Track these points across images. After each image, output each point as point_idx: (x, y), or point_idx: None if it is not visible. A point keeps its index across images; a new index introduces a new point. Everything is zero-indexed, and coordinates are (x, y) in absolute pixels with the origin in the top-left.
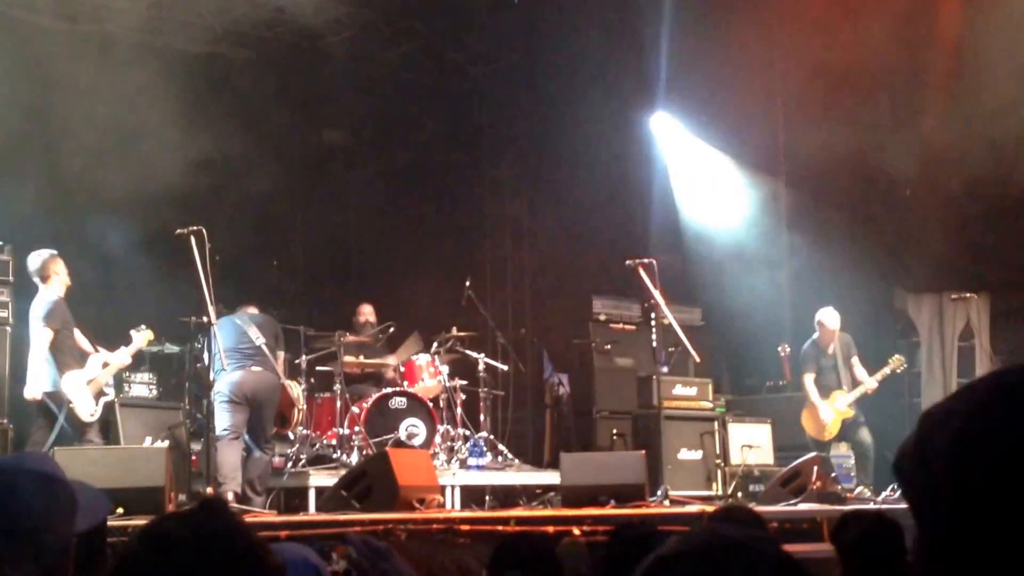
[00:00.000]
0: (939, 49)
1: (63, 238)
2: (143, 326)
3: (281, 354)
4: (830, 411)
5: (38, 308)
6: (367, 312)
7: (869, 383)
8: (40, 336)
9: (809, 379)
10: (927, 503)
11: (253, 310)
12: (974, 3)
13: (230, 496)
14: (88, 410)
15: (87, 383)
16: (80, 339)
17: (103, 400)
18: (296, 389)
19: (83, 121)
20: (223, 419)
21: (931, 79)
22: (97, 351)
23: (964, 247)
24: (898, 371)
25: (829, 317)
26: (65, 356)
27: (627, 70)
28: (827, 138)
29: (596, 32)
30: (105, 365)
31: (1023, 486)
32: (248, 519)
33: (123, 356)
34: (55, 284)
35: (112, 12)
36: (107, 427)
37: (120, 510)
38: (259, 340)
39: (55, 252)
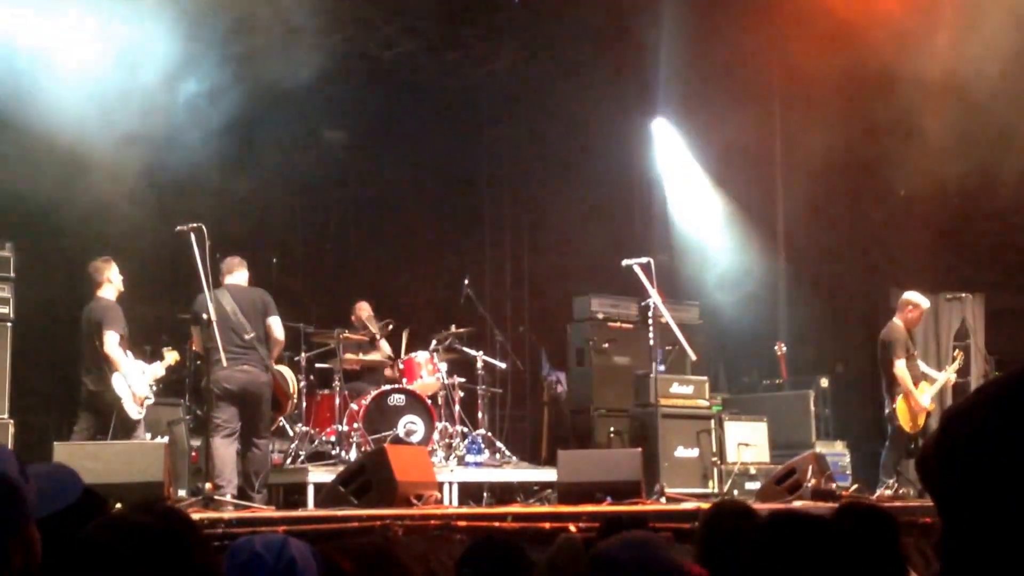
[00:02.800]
0: (935, 51)
1: (64, 233)
2: (171, 347)
3: (272, 321)
4: (926, 398)
5: (97, 312)
6: (365, 309)
7: (950, 375)
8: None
9: (901, 364)
10: (951, 499)
11: (236, 280)
12: (968, 5)
13: (228, 496)
14: (136, 408)
15: (130, 386)
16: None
17: (146, 402)
18: (291, 379)
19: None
20: (214, 414)
21: (927, 81)
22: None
23: (959, 248)
24: (960, 365)
25: (921, 298)
26: (109, 360)
27: (627, 71)
28: (823, 138)
29: (596, 34)
30: (142, 373)
31: None
32: (247, 514)
33: (158, 368)
34: (106, 290)
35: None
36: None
37: (118, 505)
38: (249, 335)
39: (107, 258)
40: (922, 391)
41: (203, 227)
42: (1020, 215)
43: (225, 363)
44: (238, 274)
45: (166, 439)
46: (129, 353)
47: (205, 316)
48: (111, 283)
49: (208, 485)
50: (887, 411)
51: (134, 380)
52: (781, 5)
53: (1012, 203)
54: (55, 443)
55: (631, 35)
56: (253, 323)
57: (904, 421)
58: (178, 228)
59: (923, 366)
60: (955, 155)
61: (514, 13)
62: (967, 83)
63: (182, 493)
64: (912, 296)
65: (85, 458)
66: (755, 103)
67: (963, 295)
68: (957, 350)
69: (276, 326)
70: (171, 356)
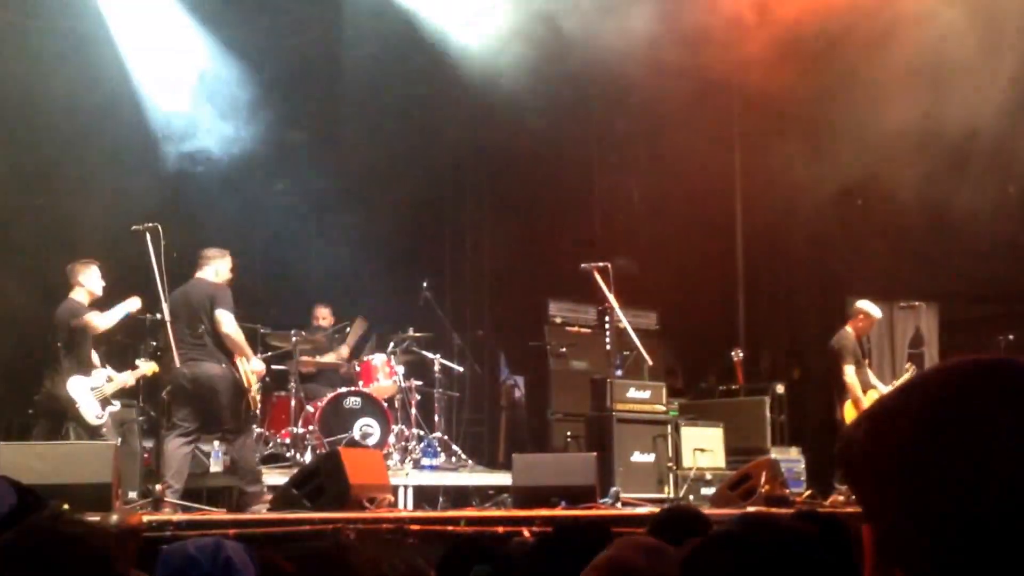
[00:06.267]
0: (891, 60)
1: (22, 232)
2: (147, 358)
3: (219, 314)
4: None
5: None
6: (323, 314)
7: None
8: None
9: (851, 371)
10: (879, 494)
11: (203, 275)
12: (927, 11)
13: (170, 496)
14: (94, 412)
15: (91, 389)
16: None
17: (109, 408)
18: (245, 371)
19: (38, 117)
20: (173, 412)
21: (885, 90)
22: (104, 366)
23: (914, 257)
24: (911, 376)
25: (873, 307)
26: (71, 361)
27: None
28: (781, 147)
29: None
30: (109, 380)
31: (980, 477)
32: (197, 517)
33: (127, 377)
34: (78, 292)
35: (73, 8)
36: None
37: (65, 507)
38: (200, 328)
39: (86, 261)
40: (870, 399)
41: (159, 227)
42: (976, 225)
43: (177, 361)
44: (207, 268)
45: (117, 440)
46: (96, 358)
47: (159, 315)
48: (82, 286)
49: (159, 487)
50: (838, 417)
51: (95, 382)
52: (739, 12)
53: (968, 213)
54: (0, 443)
55: (598, 41)
56: (202, 318)
57: None
58: (133, 227)
59: (872, 377)
60: (912, 165)
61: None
62: (925, 94)
63: (133, 495)
64: (864, 305)
65: (32, 458)
66: (714, 111)
67: (917, 304)
68: (909, 362)
69: (221, 320)
70: (147, 366)
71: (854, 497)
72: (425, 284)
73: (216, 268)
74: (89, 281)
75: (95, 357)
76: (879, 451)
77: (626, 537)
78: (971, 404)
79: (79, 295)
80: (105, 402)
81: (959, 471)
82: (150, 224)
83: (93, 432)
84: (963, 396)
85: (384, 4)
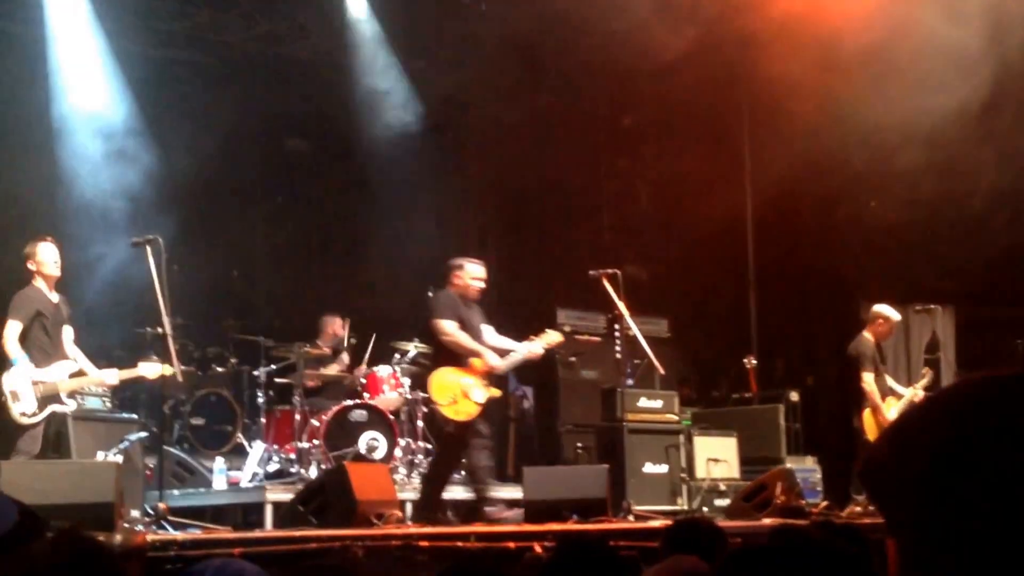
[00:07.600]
0: (900, 54)
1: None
2: (155, 358)
3: (433, 324)
4: (893, 412)
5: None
6: (337, 325)
7: (917, 391)
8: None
9: (870, 378)
10: (902, 510)
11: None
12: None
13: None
14: (19, 409)
15: (33, 383)
16: (61, 338)
17: (52, 407)
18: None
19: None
20: None
21: (895, 91)
22: (74, 359)
23: (929, 259)
24: (928, 383)
25: (892, 311)
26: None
27: (590, 77)
28: (792, 150)
29: (560, 33)
30: (80, 374)
31: (1004, 491)
32: (201, 536)
33: (110, 376)
34: (30, 275)
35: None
36: (59, 440)
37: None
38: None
39: (35, 240)
40: (889, 406)
41: (159, 239)
42: (990, 226)
43: (179, 375)
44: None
45: (119, 457)
46: (79, 353)
47: (160, 330)
48: (30, 269)
49: (162, 505)
50: (855, 424)
51: (33, 374)
52: (752, 15)
53: (982, 213)
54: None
55: (601, 41)
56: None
57: (872, 435)
58: (134, 240)
59: (891, 382)
60: (926, 166)
61: (479, 23)
62: (937, 92)
63: (135, 513)
64: (882, 309)
65: (32, 477)
66: (724, 116)
67: (933, 307)
68: (926, 367)
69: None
70: (151, 368)
71: (878, 512)
72: (430, 294)
73: (450, 278)
74: (42, 259)
75: (68, 345)
76: (901, 467)
77: (672, 563)
78: (991, 419)
79: (30, 278)
80: (49, 400)
81: (980, 486)
82: (150, 236)
83: (13, 432)
84: (984, 411)
85: None
